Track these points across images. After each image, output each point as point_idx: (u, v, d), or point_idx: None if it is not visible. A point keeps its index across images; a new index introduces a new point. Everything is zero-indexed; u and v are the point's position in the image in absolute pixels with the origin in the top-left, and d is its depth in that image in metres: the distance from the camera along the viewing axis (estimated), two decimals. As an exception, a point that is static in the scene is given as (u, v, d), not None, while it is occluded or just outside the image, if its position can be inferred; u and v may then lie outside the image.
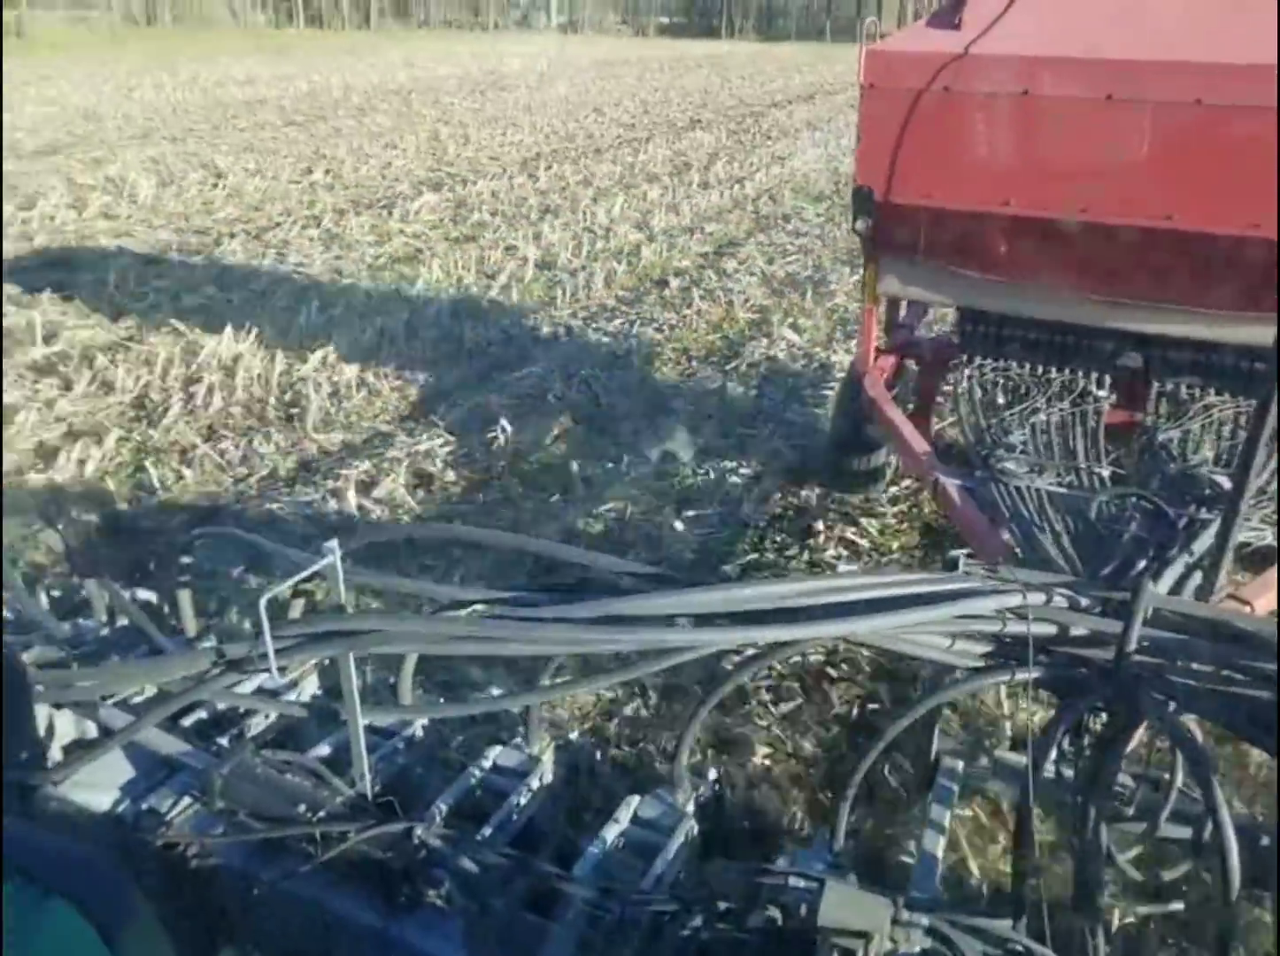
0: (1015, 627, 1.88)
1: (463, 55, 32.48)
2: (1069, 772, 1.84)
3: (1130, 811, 1.81)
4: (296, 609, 2.19)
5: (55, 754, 1.90)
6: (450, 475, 5.43)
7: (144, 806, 1.81)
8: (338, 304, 8.18)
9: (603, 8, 65.33)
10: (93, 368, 6.69)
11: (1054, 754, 1.78)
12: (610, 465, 5.55)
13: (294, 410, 6.23)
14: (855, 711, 3.59)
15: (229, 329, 7.20)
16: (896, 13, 36.98)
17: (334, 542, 1.77)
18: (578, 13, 64.56)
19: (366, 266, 9.46)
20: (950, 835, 1.95)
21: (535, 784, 2.02)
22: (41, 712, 1.88)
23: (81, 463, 5.47)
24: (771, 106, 20.85)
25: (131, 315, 7.80)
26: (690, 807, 1.96)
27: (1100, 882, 1.65)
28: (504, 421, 5.92)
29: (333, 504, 5.06)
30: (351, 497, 5.07)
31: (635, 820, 1.91)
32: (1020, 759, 2.01)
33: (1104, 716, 1.84)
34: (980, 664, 1.92)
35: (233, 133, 17.20)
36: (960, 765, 2.09)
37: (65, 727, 1.93)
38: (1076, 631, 1.93)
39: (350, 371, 6.74)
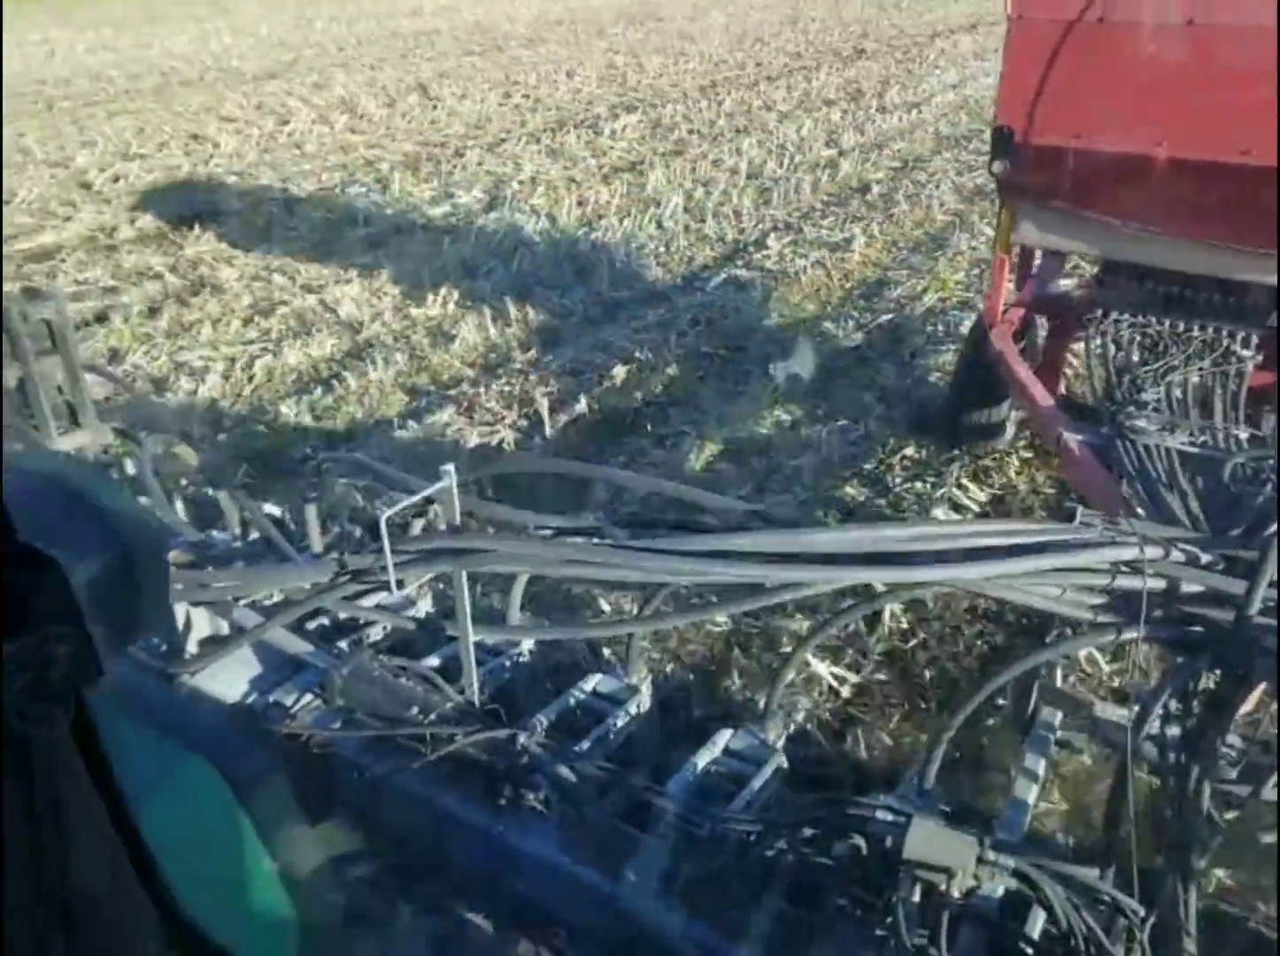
0: (1130, 582, 1.82)
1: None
2: (1171, 730, 1.79)
3: (1234, 774, 1.76)
4: (416, 530, 2.29)
5: (191, 647, 2.05)
6: (727, 321, 6.80)
7: (271, 699, 1.95)
8: (587, 203, 9.53)
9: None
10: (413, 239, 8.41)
11: (1159, 711, 1.74)
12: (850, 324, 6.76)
13: (583, 274, 7.70)
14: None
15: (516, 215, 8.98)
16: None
17: (450, 467, 1.85)
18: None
19: (594, 174, 10.51)
20: (1043, 784, 1.93)
21: (633, 710, 2.09)
22: (180, 610, 2.03)
23: (444, 302, 7.01)
24: (934, 36, 20.28)
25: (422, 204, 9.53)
26: (781, 743, 1.99)
27: (1197, 842, 1.62)
28: (761, 284, 7.43)
29: (645, 335, 6.45)
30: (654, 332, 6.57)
31: (727, 751, 1.95)
32: (1120, 712, 1.97)
33: (1216, 676, 1.78)
34: (1092, 616, 1.87)
35: (421, 62, 18.17)
36: (1059, 716, 2.06)
37: (201, 624, 2.08)
38: (1195, 589, 1.86)
39: (630, 248, 8.26)
